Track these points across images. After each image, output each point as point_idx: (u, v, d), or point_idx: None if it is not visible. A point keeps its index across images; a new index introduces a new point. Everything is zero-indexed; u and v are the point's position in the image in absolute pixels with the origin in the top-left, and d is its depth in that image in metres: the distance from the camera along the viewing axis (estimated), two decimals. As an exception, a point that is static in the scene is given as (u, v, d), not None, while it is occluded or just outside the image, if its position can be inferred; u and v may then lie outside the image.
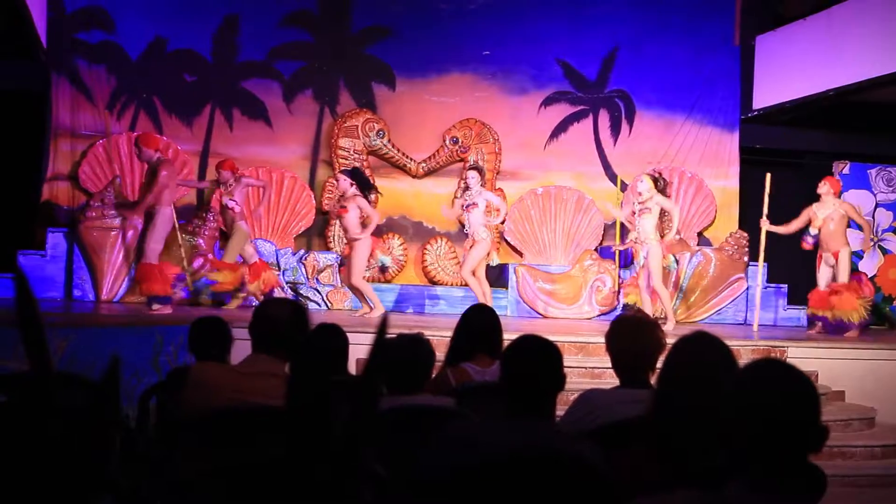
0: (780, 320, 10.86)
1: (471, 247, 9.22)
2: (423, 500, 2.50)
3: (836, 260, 9.29)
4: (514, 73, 11.55)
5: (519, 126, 11.56)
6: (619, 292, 10.49)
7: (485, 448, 2.49)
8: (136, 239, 9.48)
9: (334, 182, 10.83)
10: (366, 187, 9.20)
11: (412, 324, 7.83)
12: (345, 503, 1.72)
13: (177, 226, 9.05)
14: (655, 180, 9.05)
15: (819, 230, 9.33)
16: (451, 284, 10.86)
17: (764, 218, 9.44)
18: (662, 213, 9.11)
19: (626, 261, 10.66)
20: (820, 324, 9.40)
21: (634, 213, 9.06)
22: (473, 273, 9.26)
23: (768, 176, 9.45)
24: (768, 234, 9.51)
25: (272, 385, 3.09)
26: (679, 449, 2.41)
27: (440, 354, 4.26)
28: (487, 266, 9.56)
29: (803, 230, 9.52)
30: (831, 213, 9.29)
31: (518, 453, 2.48)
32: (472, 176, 9.35)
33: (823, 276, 9.44)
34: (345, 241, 9.50)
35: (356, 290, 9.33)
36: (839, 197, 9.55)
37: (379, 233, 11.09)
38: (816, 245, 9.43)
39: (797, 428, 1.82)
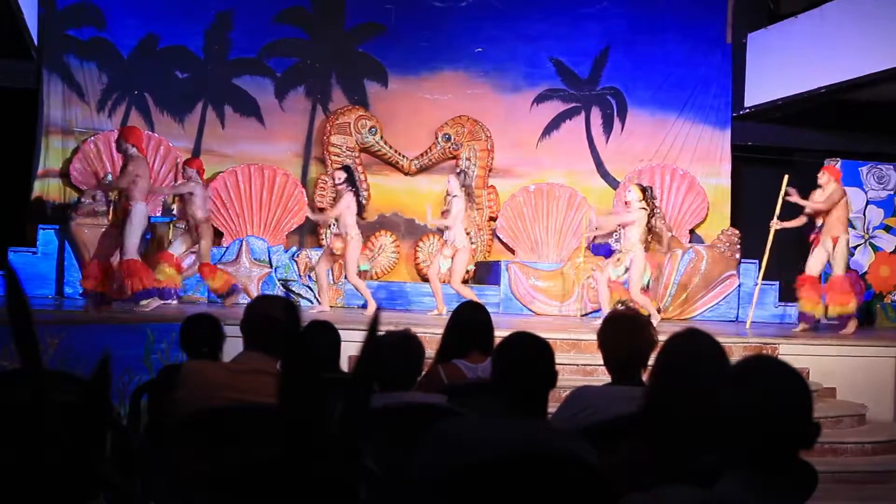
0: (772, 317, 10.88)
1: (452, 256, 9.18)
2: (417, 499, 2.50)
3: (835, 246, 9.18)
4: (506, 71, 11.56)
5: (511, 123, 11.56)
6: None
7: (479, 446, 2.49)
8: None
9: (326, 180, 10.84)
10: (357, 189, 9.16)
11: (405, 321, 7.82)
12: (340, 501, 1.72)
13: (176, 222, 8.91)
14: (644, 191, 9.03)
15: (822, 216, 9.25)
16: (444, 282, 10.84)
17: (775, 219, 9.35)
18: (648, 223, 9.02)
19: (601, 251, 10.62)
20: (806, 325, 9.30)
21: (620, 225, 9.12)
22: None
23: (786, 177, 9.34)
24: (769, 229, 9.44)
25: (264, 382, 3.09)
26: (671, 446, 2.42)
27: (431, 351, 4.26)
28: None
29: (808, 224, 9.45)
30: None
31: (512, 451, 2.48)
32: (451, 180, 9.30)
33: (817, 259, 9.31)
34: (334, 233, 9.39)
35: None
36: (839, 183, 9.43)
37: (372, 230, 11.11)
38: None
39: (789, 425, 1.82)
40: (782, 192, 9.32)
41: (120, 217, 8.55)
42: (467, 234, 9.45)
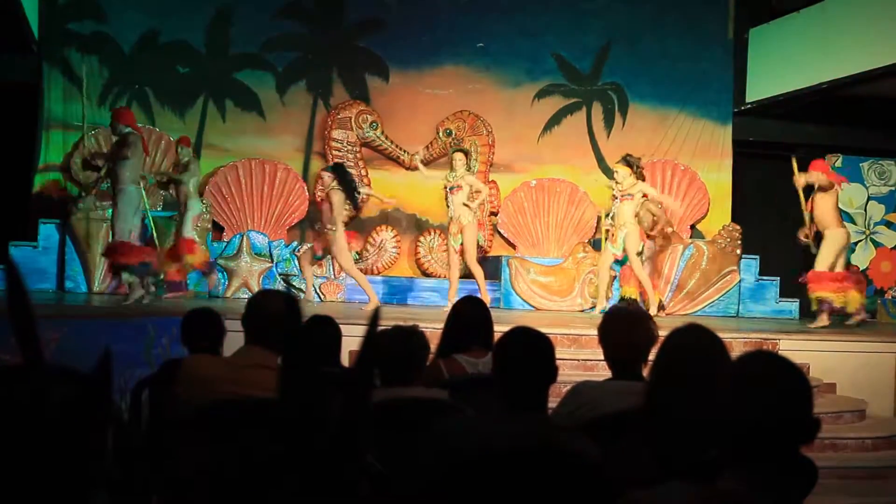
0: (773, 313, 10.88)
1: (459, 232, 9.16)
2: (419, 494, 2.50)
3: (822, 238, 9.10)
4: (507, 66, 11.55)
5: (512, 118, 11.56)
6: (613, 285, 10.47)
7: (479, 442, 2.49)
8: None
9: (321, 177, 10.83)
10: (348, 186, 9.02)
11: (405, 315, 7.82)
12: (341, 497, 1.72)
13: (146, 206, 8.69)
14: (629, 164, 9.04)
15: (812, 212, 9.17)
16: (444, 276, 10.85)
17: (808, 230, 9.12)
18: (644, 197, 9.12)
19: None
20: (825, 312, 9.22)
21: (615, 199, 9.10)
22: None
23: (794, 160, 9.12)
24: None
25: (265, 377, 3.09)
26: (672, 441, 2.42)
27: (432, 346, 4.26)
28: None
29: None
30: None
31: (513, 447, 2.48)
32: (458, 158, 9.25)
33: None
34: (318, 228, 9.29)
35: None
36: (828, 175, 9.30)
37: (372, 225, 11.13)
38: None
39: (789, 420, 1.82)
40: (807, 210, 9.06)
41: (113, 202, 8.45)
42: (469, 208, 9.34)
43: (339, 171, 9.06)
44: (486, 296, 8.87)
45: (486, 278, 10.52)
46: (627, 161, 9.07)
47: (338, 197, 8.79)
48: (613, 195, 9.15)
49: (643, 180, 9.15)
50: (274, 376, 2.83)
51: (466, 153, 9.50)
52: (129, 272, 8.17)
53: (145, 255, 8.27)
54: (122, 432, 3.73)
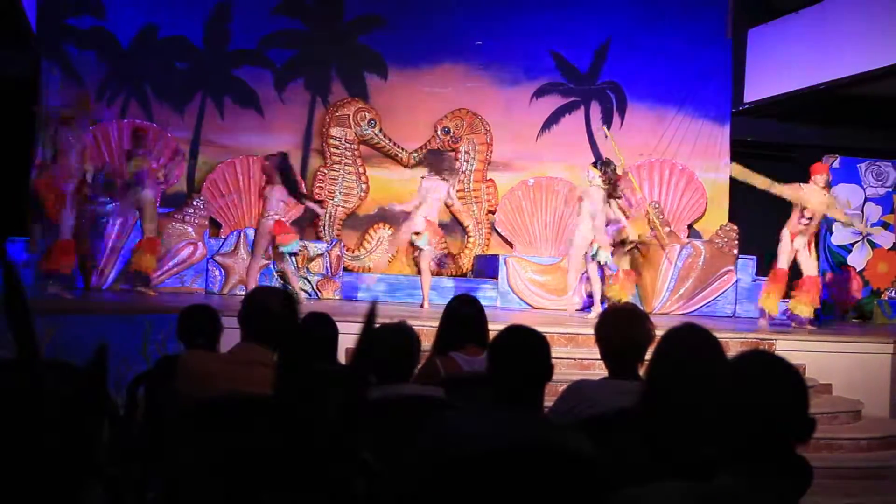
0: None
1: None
2: (414, 492, 2.50)
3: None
4: (506, 65, 11.55)
5: (511, 117, 11.56)
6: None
7: (475, 439, 2.49)
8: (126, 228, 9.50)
9: (325, 171, 10.84)
10: (287, 178, 8.93)
11: (402, 313, 7.82)
12: (337, 494, 1.72)
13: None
14: (606, 165, 9.09)
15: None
16: (440, 274, 10.84)
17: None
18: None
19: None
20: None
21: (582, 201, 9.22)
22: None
23: None
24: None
25: (262, 374, 3.09)
26: (668, 440, 2.42)
27: (427, 344, 4.26)
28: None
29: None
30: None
31: (509, 444, 2.48)
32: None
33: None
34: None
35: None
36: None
37: (371, 223, 11.13)
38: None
39: (785, 420, 1.82)
40: None
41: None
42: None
43: (283, 164, 8.99)
44: (426, 302, 9.16)
45: (483, 276, 10.55)
46: (604, 162, 9.17)
47: (282, 190, 8.78)
48: (580, 197, 9.25)
49: (612, 187, 9.09)
50: (270, 373, 2.84)
51: (429, 160, 9.50)
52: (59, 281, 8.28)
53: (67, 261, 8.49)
54: (118, 428, 3.73)
